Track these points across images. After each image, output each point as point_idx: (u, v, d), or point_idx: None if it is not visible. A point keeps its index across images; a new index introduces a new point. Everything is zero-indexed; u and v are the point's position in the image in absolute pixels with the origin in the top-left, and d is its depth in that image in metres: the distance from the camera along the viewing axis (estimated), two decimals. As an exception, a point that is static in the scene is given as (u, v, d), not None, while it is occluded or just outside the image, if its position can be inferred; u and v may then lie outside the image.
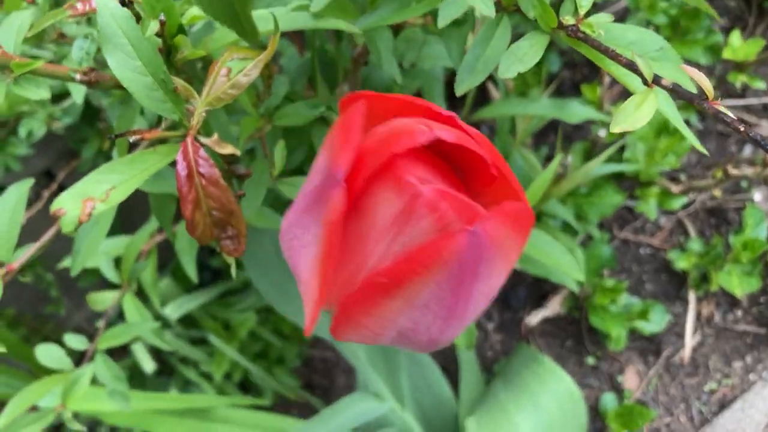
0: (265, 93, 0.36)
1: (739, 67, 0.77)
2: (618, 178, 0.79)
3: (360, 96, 0.23)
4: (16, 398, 0.43)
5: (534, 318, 0.80)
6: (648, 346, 0.78)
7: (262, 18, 0.29)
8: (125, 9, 0.26)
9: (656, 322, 0.75)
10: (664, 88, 0.24)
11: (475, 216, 0.21)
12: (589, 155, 0.78)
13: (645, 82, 0.24)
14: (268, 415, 0.66)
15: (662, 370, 0.76)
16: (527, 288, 0.83)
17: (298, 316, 0.56)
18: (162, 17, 0.28)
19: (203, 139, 0.28)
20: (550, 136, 0.84)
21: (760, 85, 0.76)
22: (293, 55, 0.51)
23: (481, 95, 0.84)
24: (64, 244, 0.46)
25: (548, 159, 0.81)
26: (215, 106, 0.28)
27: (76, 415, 0.42)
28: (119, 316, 0.62)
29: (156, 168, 0.28)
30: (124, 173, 0.27)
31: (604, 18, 0.27)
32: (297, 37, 0.57)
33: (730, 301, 0.77)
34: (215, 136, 0.28)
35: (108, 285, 0.49)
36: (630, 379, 0.77)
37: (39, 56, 0.43)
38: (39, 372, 0.50)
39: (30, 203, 0.63)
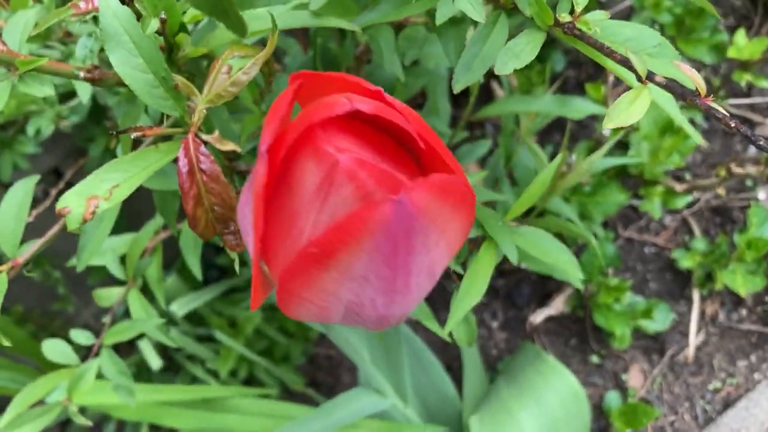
0: (266, 90, 0.36)
1: (744, 66, 0.77)
2: (622, 177, 0.79)
3: (298, 76, 0.23)
4: (22, 393, 0.43)
5: (538, 316, 0.80)
6: (652, 345, 0.78)
7: (261, 16, 0.29)
8: (126, 7, 0.27)
9: (660, 320, 0.75)
10: (658, 84, 0.24)
11: (399, 186, 0.21)
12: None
13: (639, 78, 0.24)
14: (275, 403, 0.67)
15: (666, 369, 0.76)
16: (531, 286, 0.83)
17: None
18: (163, 15, 0.28)
19: (204, 136, 0.28)
20: (555, 136, 0.84)
21: (765, 84, 0.76)
22: (297, 53, 0.51)
23: (486, 94, 0.84)
24: (71, 241, 0.47)
25: (552, 158, 0.81)
26: (216, 104, 0.28)
27: (84, 410, 0.43)
28: (125, 314, 0.63)
29: (158, 165, 0.29)
30: (127, 171, 0.28)
31: (600, 15, 0.27)
32: (301, 35, 0.58)
33: (734, 300, 0.77)
34: (216, 133, 0.28)
35: (116, 282, 0.50)
36: (634, 378, 0.77)
37: (47, 55, 0.43)
38: (46, 368, 0.51)
39: (38, 201, 0.64)
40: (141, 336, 0.71)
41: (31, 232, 0.35)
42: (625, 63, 0.25)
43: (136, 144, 0.36)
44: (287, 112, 0.22)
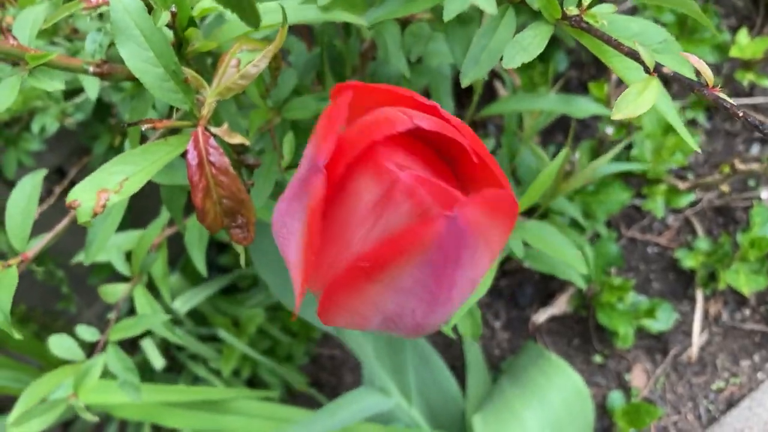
0: (272, 84, 0.36)
1: (747, 65, 0.77)
2: (625, 176, 0.79)
3: (347, 86, 0.23)
4: (30, 388, 0.43)
5: (541, 316, 0.80)
6: (655, 345, 0.78)
7: (272, 9, 0.29)
8: (138, 1, 0.27)
9: (663, 320, 0.75)
10: (666, 76, 0.24)
11: (454, 202, 0.21)
12: (596, 153, 0.78)
13: (647, 70, 0.24)
14: (277, 406, 0.67)
15: (670, 369, 0.76)
16: (534, 286, 0.83)
17: (304, 309, 0.56)
18: (173, 9, 0.28)
19: (213, 129, 0.28)
20: (557, 136, 0.85)
21: (767, 83, 0.76)
22: (301, 51, 0.51)
23: (489, 94, 0.84)
24: (75, 240, 0.47)
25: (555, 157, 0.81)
26: (225, 97, 0.28)
27: (87, 409, 0.43)
28: (129, 312, 0.63)
29: (168, 158, 0.29)
30: (137, 164, 0.28)
31: (607, 9, 0.27)
32: (305, 34, 0.58)
33: (737, 300, 0.77)
34: (225, 125, 0.28)
35: (119, 280, 0.50)
36: (637, 378, 0.77)
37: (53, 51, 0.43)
38: (49, 368, 0.51)
39: (41, 199, 0.64)
40: (143, 335, 0.71)
41: (34, 230, 0.35)
42: (633, 55, 0.25)
43: (143, 140, 0.36)
44: (342, 127, 0.22)
